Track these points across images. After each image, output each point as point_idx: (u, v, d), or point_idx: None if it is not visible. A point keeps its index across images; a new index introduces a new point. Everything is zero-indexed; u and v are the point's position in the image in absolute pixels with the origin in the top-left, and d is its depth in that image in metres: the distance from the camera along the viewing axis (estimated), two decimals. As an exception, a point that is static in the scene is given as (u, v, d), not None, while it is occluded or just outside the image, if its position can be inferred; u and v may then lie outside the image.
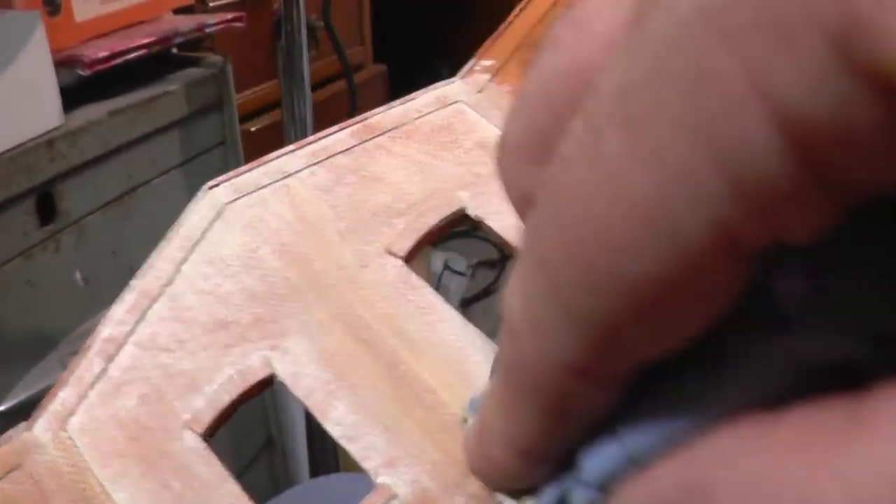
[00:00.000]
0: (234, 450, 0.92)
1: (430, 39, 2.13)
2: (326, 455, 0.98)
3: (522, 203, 0.16)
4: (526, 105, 0.16)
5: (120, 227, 0.82)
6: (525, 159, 0.16)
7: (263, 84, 1.26)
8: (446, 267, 1.50)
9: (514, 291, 0.14)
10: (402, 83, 1.80)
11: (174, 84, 0.86)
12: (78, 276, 0.79)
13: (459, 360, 0.27)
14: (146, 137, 0.82)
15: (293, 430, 0.98)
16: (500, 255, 1.85)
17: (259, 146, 1.18)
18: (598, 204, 0.11)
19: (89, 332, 0.73)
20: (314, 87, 0.97)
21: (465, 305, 1.68)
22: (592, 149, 0.11)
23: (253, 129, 1.21)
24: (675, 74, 0.10)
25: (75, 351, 0.80)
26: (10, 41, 0.71)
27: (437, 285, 1.46)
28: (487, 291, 1.87)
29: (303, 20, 0.89)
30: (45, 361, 0.78)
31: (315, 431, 0.96)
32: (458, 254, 1.64)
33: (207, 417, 0.27)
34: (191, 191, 0.90)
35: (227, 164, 0.93)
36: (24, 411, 0.71)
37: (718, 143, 0.10)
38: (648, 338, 0.12)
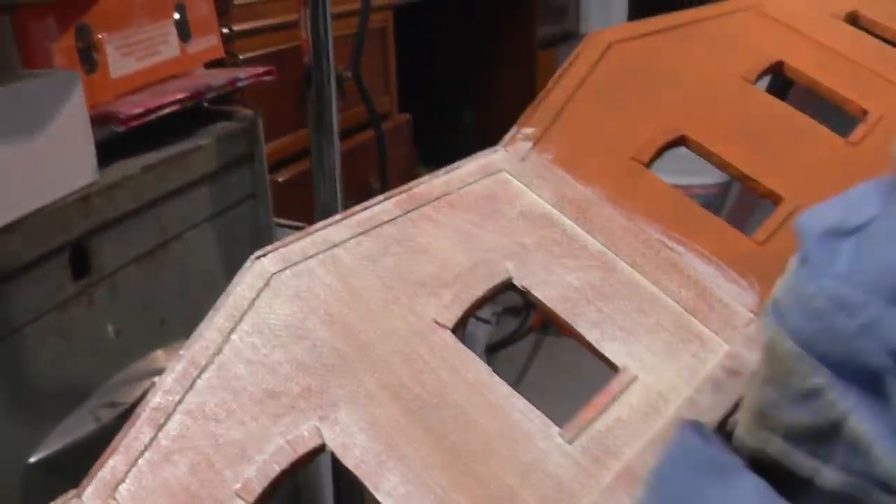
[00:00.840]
0: None
1: (452, 89, 2.15)
2: (354, 507, 0.97)
3: None
4: None
5: (152, 280, 0.82)
6: None
7: (291, 134, 1.27)
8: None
9: None
10: (426, 132, 1.82)
11: (206, 138, 0.87)
12: (110, 329, 0.79)
13: (508, 431, 0.27)
14: (178, 191, 0.83)
15: (320, 481, 0.98)
16: (525, 303, 1.85)
17: (288, 197, 1.19)
18: None
19: (120, 385, 0.74)
20: (341, 137, 0.98)
21: (491, 352, 1.68)
22: None
23: (280, 179, 1.22)
24: None
25: (107, 403, 0.80)
26: (50, 99, 0.72)
27: (463, 332, 1.46)
28: (513, 338, 1.87)
29: (332, 72, 0.90)
30: (77, 413, 0.78)
31: (342, 483, 0.96)
32: (482, 301, 1.64)
33: (258, 487, 0.27)
34: (221, 244, 0.92)
35: (256, 217, 0.94)
36: (56, 463, 0.72)
37: None
38: None
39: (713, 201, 1.79)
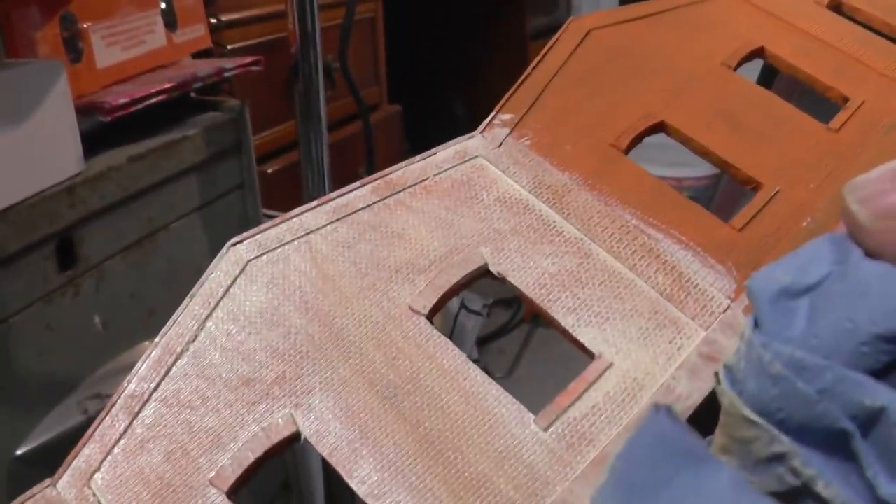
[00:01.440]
0: (250, 493, 0.92)
1: (443, 80, 2.15)
2: (343, 499, 0.97)
3: None
4: None
5: (139, 271, 0.82)
6: None
7: (278, 126, 1.27)
8: (462, 306, 1.50)
9: None
10: (416, 123, 1.82)
11: (193, 128, 0.87)
12: (97, 320, 0.79)
13: (483, 418, 0.27)
14: (165, 182, 0.83)
15: (310, 473, 0.98)
16: (516, 295, 1.85)
17: (275, 188, 1.19)
18: None
19: (107, 376, 0.73)
20: (330, 128, 0.98)
21: (482, 344, 1.68)
22: None
23: (269, 170, 1.22)
24: None
25: (94, 395, 0.80)
26: (34, 90, 0.72)
27: (454, 324, 1.46)
28: (503, 330, 1.87)
29: (319, 62, 0.90)
30: (64, 405, 0.78)
31: (332, 475, 0.96)
32: (474, 293, 1.64)
33: (232, 475, 0.27)
34: (209, 234, 0.91)
35: (245, 208, 0.94)
36: (43, 455, 0.72)
37: None
38: None
39: (705, 193, 1.79)
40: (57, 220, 0.74)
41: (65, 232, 0.75)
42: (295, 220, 0.33)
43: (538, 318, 1.92)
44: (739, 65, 0.44)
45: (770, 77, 0.73)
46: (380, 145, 1.13)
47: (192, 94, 0.93)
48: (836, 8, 0.50)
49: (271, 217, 1.03)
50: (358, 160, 1.44)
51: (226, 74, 0.91)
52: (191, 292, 0.32)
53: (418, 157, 0.34)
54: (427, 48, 2.14)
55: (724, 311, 0.31)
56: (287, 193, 1.10)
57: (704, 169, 1.86)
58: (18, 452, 0.73)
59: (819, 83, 0.45)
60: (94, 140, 0.80)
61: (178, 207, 0.86)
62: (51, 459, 0.76)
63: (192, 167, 0.86)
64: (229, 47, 1.15)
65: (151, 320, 0.84)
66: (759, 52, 0.45)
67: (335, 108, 1.26)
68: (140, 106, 0.81)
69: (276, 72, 1.15)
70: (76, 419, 0.76)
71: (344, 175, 1.45)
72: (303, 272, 0.31)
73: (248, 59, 0.94)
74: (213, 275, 0.32)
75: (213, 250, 0.91)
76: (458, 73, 2.14)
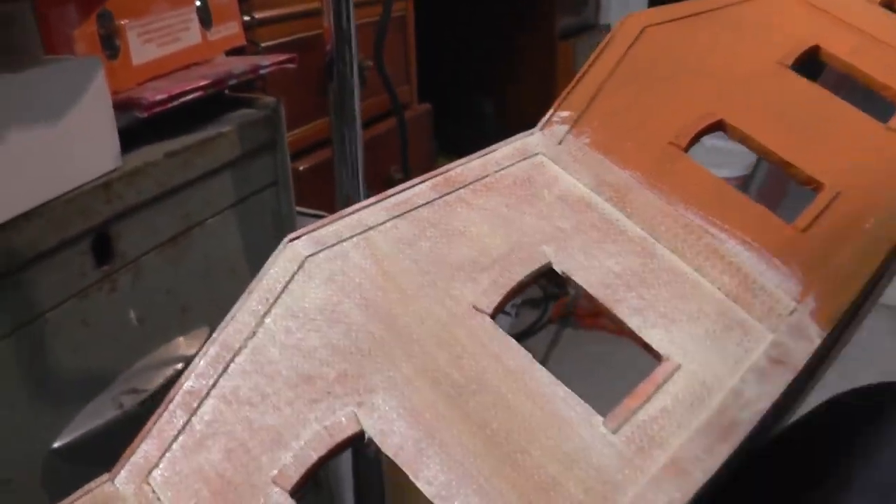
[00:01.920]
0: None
1: (471, 78, 2.15)
2: (373, 498, 0.97)
3: None
4: None
5: (174, 267, 0.82)
6: None
7: (310, 123, 1.27)
8: (491, 305, 1.50)
9: None
10: (445, 122, 1.82)
11: (228, 125, 0.87)
12: (132, 315, 0.80)
13: (550, 419, 0.26)
14: (201, 178, 0.83)
15: (340, 471, 0.98)
16: (544, 295, 1.85)
17: (308, 185, 1.19)
18: None
19: (142, 371, 0.73)
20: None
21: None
22: None
23: (301, 167, 1.22)
24: None
25: (129, 390, 0.80)
26: (72, 86, 0.72)
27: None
28: (531, 330, 1.87)
29: (355, 60, 0.90)
30: (99, 400, 0.78)
31: (362, 473, 0.95)
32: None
33: (295, 474, 0.27)
34: (243, 231, 0.91)
35: (279, 205, 0.94)
36: (78, 449, 0.72)
37: None
38: None
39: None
40: (93, 215, 0.74)
41: (101, 227, 0.75)
42: (353, 216, 0.32)
43: (566, 319, 1.91)
44: (795, 63, 0.43)
45: (811, 77, 0.72)
46: (410, 144, 1.13)
47: (226, 91, 0.93)
48: (889, 5, 0.50)
49: (304, 215, 1.03)
50: (388, 159, 1.44)
51: (261, 71, 0.91)
52: (248, 288, 0.32)
53: (477, 153, 0.34)
54: (455, 47, 2.14)
55: (791, 313, 0.30)
56: (319, 190, 1.10)
57: (731, 169, 1.85)
58: (55, 446, 0.73)
59: (875, 82, 0.44)
60: (130, 136, 0.80)
61: (212, 204, 0.86)
62: (86, 453, 0.76)
63: (227, 164, 0.86)
64: (263, 45, 1.15)
65: (186, 316, 0.84)
66: (814, 51, 0.45)
67: (366, 107, 1.26)
68: (177, 102, 0.81)
69: (308, 69, 1.15)
70: (111, 413, 0.76)
71: (375, 173, 1.45)
72: (362, 269, 0.31)
73: (283, 57, 0.94)
74: (270, 271, 0.32)
75: (247, 247, 0.92)
76: (486, 72, 2.14)
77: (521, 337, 1.83)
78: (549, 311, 1.92)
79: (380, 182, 1.44)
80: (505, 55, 2.10)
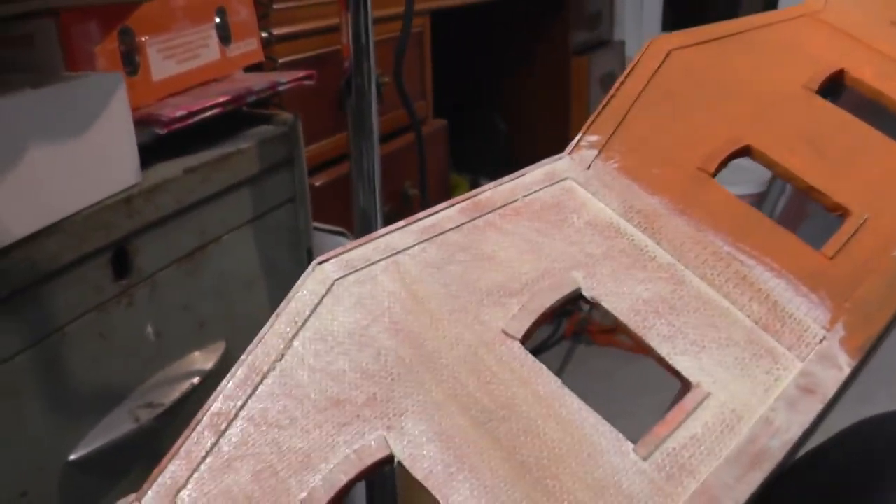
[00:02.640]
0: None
1: (485, 94, 2.15)
2: (386, 513, 0.97)
3: None
4: None
5: (191, 282, 0.83)
6: None
7: (326, 139, 1.27)
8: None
9: None
10: (459, 138, 1.82)
11: (246, 141, 0.87)
12: (149, 329, 0.80)
13: (580, 445, 0.26)
14: (219, 194, 0.84)
15: (352, 492, 0.97)
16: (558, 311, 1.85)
17: (324, 201, 1.19)
18: None
19: (158, 385, 0.73)
20: (377, 142, 0.98)
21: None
22: None
23: (318, 183, 1.22)
24: None
25: (146, 404, 0.80)
26: (94, 102, 0.72)
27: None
28: (544, 346, 1.87)
29: (373, 76, 0.90)
30: (115, 413, 0.79)
31: (375, 488, 0.95)
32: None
33: (324, 497, 0.27)
34: (260, 247, 0.92)
35: (296, 221, 0.94)
36: (95, 462, 0.72)
37: None
38: None
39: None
40: (113, 230, 0.75)
41: (120, 242, 0.76)
42: (381, 239, 0.32)
43: (579, 335, 1.91)
44: (821, 87, 0.43)
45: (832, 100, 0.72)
46: (428, 159, 1.13)
47: (245, 107, 0.94)
48: (913, 30, 0.50)
49: (321, 230, 1.04)
50: (404, 175, 1.45)
51: (280, 88, 0.92)
52: (276, 311, 0.32)
53: (506, 178, 0.34)
54: (469, 62, 2.14)
55: (820, 342, 0.30)
56: (335, 206, 1.10)
57: (750, 186, 1.85)
58: (71, 458, 0.74)
59: (901, 107, 0.44)
60: (150, 152, 0.81)
61: (230, 220, 0.86)
62: (102, 466, 0.76)
63: (245, 180, 0.87)
64: (281, 61, 1.16)
65: (202, 331, 0.85)
66: (839, 75, 0.45)
67: (381, 123, 1.26)
68: (196, 119, 0.82)
69: (325, 85, 1.16)
70: (128, 427, 0.77)
71: (391, 189, 1.45)
72: (391, 293, 0.31)
73: (302, 74, 0.95)
74: (298, 293, 0.32)
75: (264, 263, 0.92)
76: (501, 88, 2.14)
77: (534, 353, 1.82)
78: (562, 327, 1.91)
79: (395, 197, 1.45)
80: (519, 71, 2.11)
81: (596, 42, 2.24)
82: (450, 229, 0.32)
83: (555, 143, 0.37)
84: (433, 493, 0.26)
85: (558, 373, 1.73)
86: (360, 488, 0.99)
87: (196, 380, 0.81)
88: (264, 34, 1.11)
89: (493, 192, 0.33)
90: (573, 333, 1.91)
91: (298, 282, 0.32)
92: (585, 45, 2.16)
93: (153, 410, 0.78)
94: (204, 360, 0.84)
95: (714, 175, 0.36)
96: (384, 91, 1.29)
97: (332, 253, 0.32)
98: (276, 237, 0.92)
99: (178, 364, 0.82)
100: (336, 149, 1.27)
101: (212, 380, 0.82)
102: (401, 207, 1.45)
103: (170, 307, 0.81)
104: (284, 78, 0.92)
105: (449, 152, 1.65)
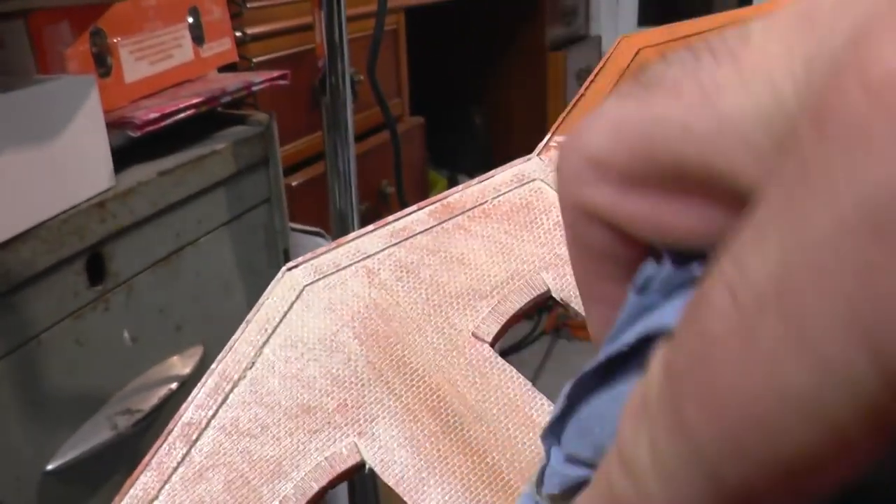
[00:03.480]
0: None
1: (462, 90, 2.15)
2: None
3: (575, 213, 0.16)
4: (624, 126, 0.15)
5: (167, 286, 0.82)
6: (602, 177, 0.16)
7: (301, 138, 1.27)
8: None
9: (640, 441, 0.14)
10: (436, 134, 1.82)
11: (221, 142, 0.87)
12: (126, 335, 0.79)
13: (551, 448, 0.26)
14: (194, 196, 0.83)
15: (335, 492, 0.97)
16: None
17: (300, 201, 1.19)
18: (751, 386, 0.12)
19: (136, 391, 0.73)
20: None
21: (503, 356, 1.68)
22: (745, 332, 0.12)
23: (294, 183, 1.22)
24: (837, 276, 0.11)
25: (124, 410, 0.79)
26: (66, 105, 0.72)
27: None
28: (525, 342, 1.87)
29: (347, 74, 0.90)
30: (93, 420, 0.78)
31: (357, 489, 0.95)
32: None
33: (295, 506, 0.27)
34: (236, 249, 0.91)
35: (272, 221, 0.94)
36: (73, 470, 0.71)
37: (877, 342, 0.10)
38: (786, 500, 0.13)
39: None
40: (87, 235, 0.74)
41: (95, 247, 0.75)
42: (351, 244, 0.32)
43: (559, 330, 1.92)
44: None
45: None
46: (404, 157, 1.13)
47: (219, 108, 0.93)
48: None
49: (297, 231, 1.03)
50: (380, 173, 1.44)
51: (254, 89, 0.91)
52: (246, 318, 0.32)
53: (475, 179, 0.34)
54: (445, 58, 2.14)
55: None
56: (311, 206, 1.10)
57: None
58: (49, 468, 0.73)
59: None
60: (123, 155, 0.80)
61: (205, 222, 0.85)
62: (81, 474, 0.75)
63: (221, 181, 0.86)
64: (255, 60, 1.15)
65: (180, 335, 0.84)
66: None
67: (357, 121, 1.26)
68: (170, 121, 0.81)
69: (300, 83, 1.15)
70: (106, 434, 0.76)
71: (368, 187, 1.45)
72: (361, 297, 0.31)
73: (276, 73, 0.94)
74: (268, 300, 0.32)
75: (241, 264, 0.91)
76: (477, 84, 2.14)
77: (514, 348, 1.83)
78: (542, 323, 1.92)
79: (372, 196, 1.44)
80: (495, 66, 2.11)
81: (572, 37, 2.24)
82: (419, 232, 0.32)
83: (532, 138, 0.37)
84: (405, 497, 0.26)
85: (539, 368, 1.74)
86: (342, 488, 0.99)
87: (174, 385, 0.81)
88: (238, 33, 1.10)
89: (462, 194, 0.33)
90: (553, 329, 1.92)
91: (268, 288, 0.32)
92: (562, 40, 2.16)
93: (132, 417, 0.77)
94: (182, 364, 0.84)
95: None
96: (359, 89, 1.29)
97: (301, 259, 0.32)
98: (252, 238, 0.92)
99: (155, 369, 0.82)
100: (312, 148, 1.27)
101: (190, 384, 0.81)
102: (378, 206, 1.44)
103: (146, 312, 0.81)
104: (259, 78, 0.92)
105: (426, 149, 1.65)
